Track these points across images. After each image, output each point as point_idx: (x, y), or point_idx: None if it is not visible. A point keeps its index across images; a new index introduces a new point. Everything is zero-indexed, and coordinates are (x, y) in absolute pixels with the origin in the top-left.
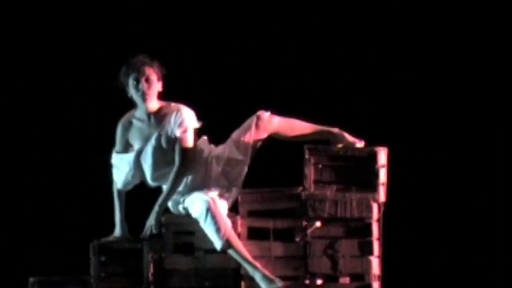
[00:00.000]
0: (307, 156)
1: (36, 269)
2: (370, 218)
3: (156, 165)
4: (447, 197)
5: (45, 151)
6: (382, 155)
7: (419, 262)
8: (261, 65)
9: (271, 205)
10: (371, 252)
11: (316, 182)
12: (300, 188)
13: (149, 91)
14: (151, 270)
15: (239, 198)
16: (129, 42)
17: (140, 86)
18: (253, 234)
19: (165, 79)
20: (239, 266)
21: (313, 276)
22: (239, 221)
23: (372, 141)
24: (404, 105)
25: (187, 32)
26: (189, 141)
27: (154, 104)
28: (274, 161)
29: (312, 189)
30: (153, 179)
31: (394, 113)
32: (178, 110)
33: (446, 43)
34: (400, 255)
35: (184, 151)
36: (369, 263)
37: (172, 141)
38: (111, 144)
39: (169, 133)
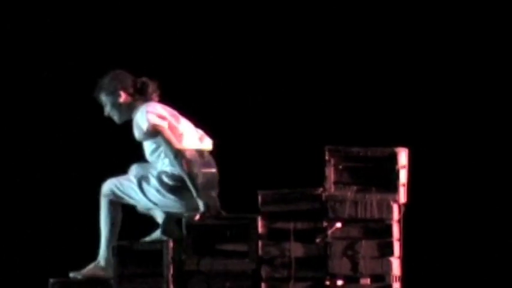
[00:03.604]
0: (327, 157)
1: (55, 269)
2: (391, 219)
3: (149, 157)
4: (468, 198)
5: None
6: (403, 156)
7: (439, 263)
8: (278, 70)
9: (291, 206)
10: (391, 253)
11: (336, 183)
12: (320, 189)
13: (113, 113)
14: (172, 271)
15: (259, 198)
16: (128, 43)
17: (106, 114)
18: (274, 235)
19: (127, 81)
20: (259, 267)
21: (334, 277)
22: (260, 222)
23: (393, 142)
24: (425, 106)
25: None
26: (160, 131)
27: (128, 113)
28: (295, 162)
29: (332, 190)
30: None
31: (415, 114)
32: (139, 111)
33: (469, 46)
34: (421, 256)
35: (163, 139)
36: (389, 264)
37: (147, 136)
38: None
39: (138, 134)
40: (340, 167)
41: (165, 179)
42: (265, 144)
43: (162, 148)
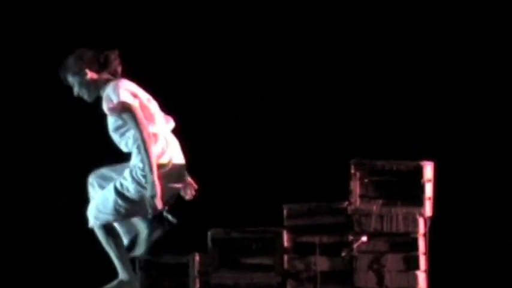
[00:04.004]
0: (353, 170)
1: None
2: (416, 232)
3: (112, 133)
4: (494, 211)
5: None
6: (429, 169)
7: (466, 276)
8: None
9: (317, 220)
10: (417, 267)
11: (362, 196)
12: (346, 203)
13: (82, 93)
14: (198, 285)
15: (285, 212)
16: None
17: (75, 95)
18: (299, 249)
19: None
20: (284, 281)
21: None
22: (285, 236)
23: (419, 156)
24: (451, 120)
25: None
26: (128, 109)
27: (97, 90)
28: (320, 176)
29: (358, 203)
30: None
31: (442, 128)
32: (111, 85)
33: (499, 61)
34: (447, 270)
35: (128, 114)
36: (415, 277)
37: (112, 112)
38: None
39: (105, 107)
40: (366, 180)
41: (139, 173)
42: (291, 158)
43: (127, 127)
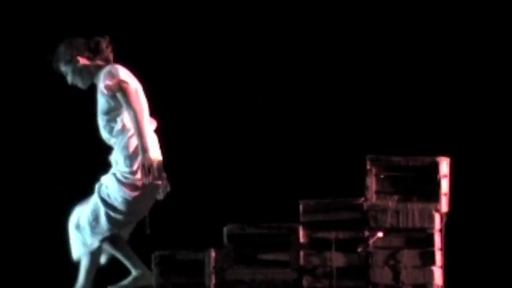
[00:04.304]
0: (368, 166)
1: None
2: (432, 228)
3: (100, 115)
4: (511, 207)
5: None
6: (445, 165)
7: (482, 272)
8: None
9: (333, 215)
10: (433, 263)
11: (377, 192)
12: (362, 199)
13: (76, 80)
14: (213, 281)
15: (301, 208)
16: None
17: (69, 83)
18: (315, 245)
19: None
20: (300, 277)
21: (375, 287)
22: (301, 231)
23: (435, 151)
24: (467, 115)
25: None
26: (125, 87)
27: (90, 77)
28: (336, 171)
29: (374, 199)
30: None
31: (457, 123)
32: (109, 66)
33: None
34: (463, 266)
35: (125, 92)
36: (431, 273)
37: (108, 89)
38: None
39: (102, 85)
40: (382, 176)
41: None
42: (307, 154)
43: (118, 111)
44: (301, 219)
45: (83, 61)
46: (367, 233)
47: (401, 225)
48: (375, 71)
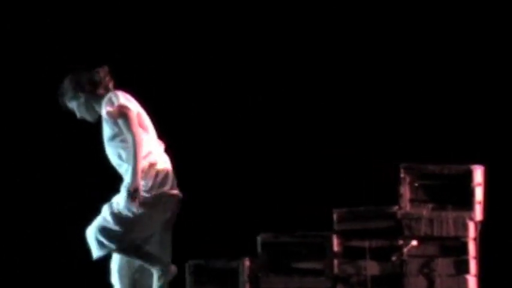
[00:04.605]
0: (402, 175)
1: None
2: (467, 236)
3: (107, 142)
4: None
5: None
6: (479, 173)
7: None
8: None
9: (367, 224)
10: (467, 271)
11: (411, 200)
12: (396, 207)
13: (83, 114)
14: None
15: (335, 216)
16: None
17: (79, 118)
18: (349, 253)
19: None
20: (334, 285)
21: None
22: (335, 240)
23: (469, 160)
24: (501, 124)
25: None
26: (125, 113)
27: (97, 108)
28: (370, 180)
29: (408, 208)
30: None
31: (492, 132)
32: (110, 93)
33: None
34: (498, 274)
35: (125, 118)
36: (466, 281)
37: (110, 116)
38: None
39: (104, 112)
40: (416, 184)
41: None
42: (341, 162)
43: (123, 136)
44: (335, 227)
45: (86, 95)
46: (401, 242)
47: (435, 233)
48: (411, 80)
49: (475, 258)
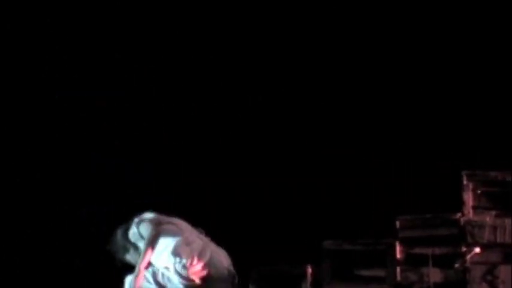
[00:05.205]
0: (465, 182)
1: None
2: None
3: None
4: None
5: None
6: None
7: None
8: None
9: (429, 231)
10: None
11: (474, 207)
12: (459, 214)
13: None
14: None
15: (398, 224)
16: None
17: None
18: (412, 261)
19: None
20: None
21: None
22: (398, 247)
23: None
24: None
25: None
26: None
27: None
28: (432, 187)
29: (471, 215)
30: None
31: None
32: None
33: None
34: None
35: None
36: None
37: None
38: None
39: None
40: (478, 191)
41: None
42: (403, 170)
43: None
44: (398, 235)
45: (130, 245)
46: (464, 249)
47: (498, 240)
48: (474, 86)
49: None
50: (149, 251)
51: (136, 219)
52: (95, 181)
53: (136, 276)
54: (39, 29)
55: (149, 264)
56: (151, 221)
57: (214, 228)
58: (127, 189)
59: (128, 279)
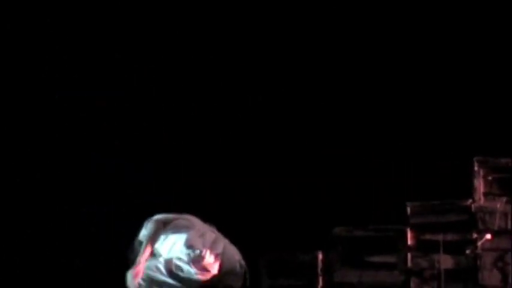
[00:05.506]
0: (476, 168)
1: None
2: None
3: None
4: None
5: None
6: None
7: None
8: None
9: (440, 218)
10: None
11: (485, 194)
12: (470, 201)
13: None
14: (321, 283)
15: (408, 210)
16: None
17: None
18: (423, 247)
19: None
20: (408, 279)
21: None
22: (409, 234)
23: None
24: None
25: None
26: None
27: None
28: (443, 174)
29: (482, 201)
30: None
31: None
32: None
33: None
34: None
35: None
36: None
37: None
38: None
39: None
40: (490, 178)
41: None
42: (413, 157)
43: None
44: (409, 221)
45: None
46: (475, 235)
47: (509, 227)
48: (484, 75)
49: None
50: (149, 246)
51: (145, 222)
52: (95, 181)
53: (137, 267)
54: (39, 29)
55: (151, 254)
56: (156, 219)
57: (220, 224)
58: (127, 189)
59: (129, 273)
